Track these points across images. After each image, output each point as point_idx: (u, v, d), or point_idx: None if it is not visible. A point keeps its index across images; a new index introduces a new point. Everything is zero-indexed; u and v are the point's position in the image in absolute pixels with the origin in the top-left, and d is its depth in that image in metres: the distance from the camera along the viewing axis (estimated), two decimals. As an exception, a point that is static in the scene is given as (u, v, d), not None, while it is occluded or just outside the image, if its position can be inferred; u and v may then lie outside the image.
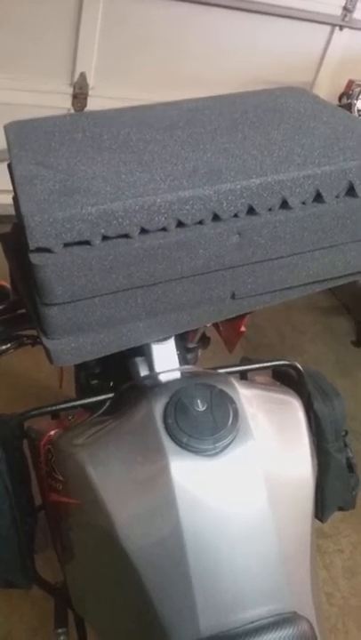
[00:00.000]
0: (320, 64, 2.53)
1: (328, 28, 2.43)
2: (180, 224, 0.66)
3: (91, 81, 2.29)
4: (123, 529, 0.66)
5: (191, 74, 2.32)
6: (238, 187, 0.66)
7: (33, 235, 0.61)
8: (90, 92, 2.30)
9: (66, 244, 0.63)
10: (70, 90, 2.29)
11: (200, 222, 0.67)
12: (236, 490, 0.68)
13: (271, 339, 2.36)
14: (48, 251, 0.62)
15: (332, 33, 2.45)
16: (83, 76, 2.27)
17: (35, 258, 0.62)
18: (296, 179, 0.68)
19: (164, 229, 0.66)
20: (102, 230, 0.63)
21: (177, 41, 2.28)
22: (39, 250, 0.62)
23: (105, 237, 0.64)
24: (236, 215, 0.68)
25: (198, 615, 0.64)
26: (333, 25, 2.42)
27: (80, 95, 2.29)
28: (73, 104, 2.31)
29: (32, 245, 0.61)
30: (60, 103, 2.28)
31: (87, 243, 0.63)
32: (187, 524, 0.65)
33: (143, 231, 0.65)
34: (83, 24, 2.14)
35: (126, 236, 0.64)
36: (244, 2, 2.23)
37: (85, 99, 2.31)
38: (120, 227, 0.63)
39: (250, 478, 0.69)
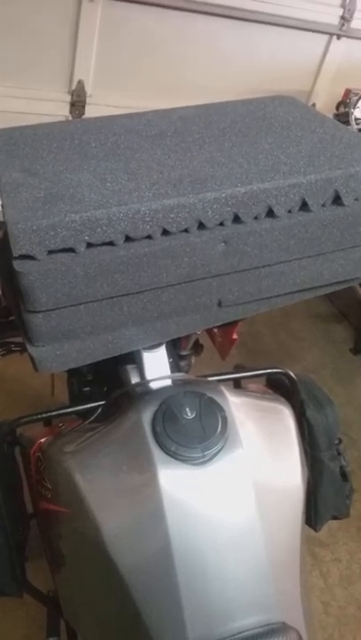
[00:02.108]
0: (318, 73, 2.53)
1: (326, 37, 2.43)
2: (165, 232, 0.66)
3: (89, 89, 2.29)
4: (110, 537, 0.66)
5: (190, 82, 2.33)
6: (224, 195, 0.66)
7: (16, 242, 0.61)
8: (88, 100, 2.30)
9: (50, 252, 0.63)
10: (68, 98, 2.29)
11: (185, 230, 0.67)
12: (225, 499, 0.68)
13: (269, 346, 2.35)
14: (32, 258, 0.62)
15: (329, 42, 2.45)
16: (81, 83, 2.27)
17: (18, 265, 0.62)
18: (282, 187, 0.68)
19: (149, 237, 0.66)
20: (86, 238, 0.63)
21: (175, 49, 2.28)
22: (23, 257, 0.62)
23: (89, 245, 0.64)
24: (221, 224, 0.68)
25: (186, 625, 0.64)
26: (331, 34, 2.42)
27: (78, 103, 2.30)
28: (71, 112, 2.31)
29: (15, 252, 0.62)
30: (58, 111, 2.28)
31: (71, 250, 0.63)
32: (175, 533, 0.65)
33: (128, 239, 0.65)
34: (81, 31, 2.14)
35: (111, 243, 0.64)
36: (243, 11, 2.23)
37: (83, 107, 2.31)
38: (104, 234, 0.63)
39: (238, 487, 0.69)
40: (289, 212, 0.70)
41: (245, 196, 0.67)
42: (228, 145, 0.76)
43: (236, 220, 0.69)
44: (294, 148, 0.75)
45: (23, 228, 0.60)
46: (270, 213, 0.70)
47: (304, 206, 0.71)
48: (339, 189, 0.71)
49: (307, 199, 0.70)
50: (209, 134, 0.79)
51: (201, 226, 0.67)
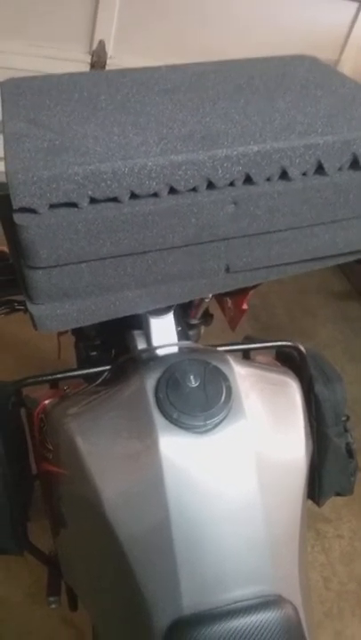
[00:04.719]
0: (345, 42, 2.46)
1: (355, 4, 2.36)
2: (172, 190, 0.63)
3: (109, 49, 2.25)
4: (108, 502, 0.66)
5: (212, 47, 2.27)
6: (235, 153, 0.63)
7: (17, 193, 0.59)
8: (108, 61, 2.26)
9: (51, 206, 0.60)
10: (88, 58, 2.26)
11: (194, 189, 0.64)
12: (226, 469, 0.67)
13: (282, 320, 2.33)
14: (32, 211, 0.60)
15: (359, 10, 2.37)
16: (101, 44, 2.23)
17: (18, 218, 0.60)
18: (297, 147, 0.65)
19: (155, 195, 0.63)
20: (90, 192, 0.60)
21: (198, 12, 2.23)
22: (23, 210, 0.60)
23: (93, 200, 0.61)
24: (232, 184, 0.65)
25: (181, 592, 0.64)
26: (361, 1, 2.35)
27: (98, 64, 2.26)
28: (90, 73, 2.28)
29: (16, 205, 0.59)
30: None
31: (74, 205, 0.61)
32: (173, 501, 0.64)
33: (133, 196, 0.62)
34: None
35: (115, 199, 0.62)
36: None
37: (104, 67, 2.27)
38: (108, 189, 0.61)
39: (240, 458, 0.68)
40: (304, 174, 0.67)
41: (258, 155, 0.64)
42: (244, 102, 0.73)
43: (248, 180, 0.66)
44: (313, 108, 0.71)
45: (24, 179, 0.58)
46: (284, 175, 0.67)
47: (320, 169, 0.68)
48: (357, 153, 0.67)
49: (323, 161, 0.67)
50: (224, 90, 0.75)
51: (210, 185, 0.65)
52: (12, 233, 0.65)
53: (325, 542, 1.67)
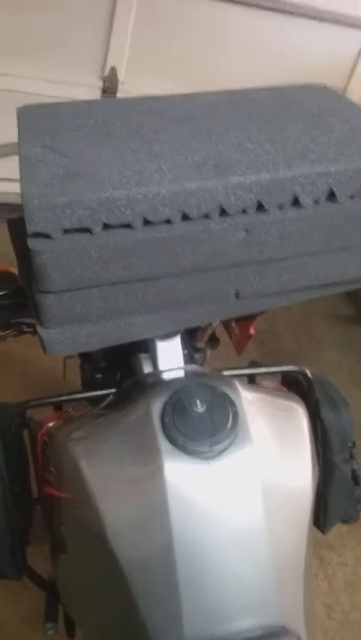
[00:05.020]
0: (353, 70, 2.48)
1: (363, 32, 2.39)
2: (185, 217, 0.64)
3: (121, 76, 2.28)
4: (111, 528, 0.65)
5: (222, 74, 2.29)
6: (248, 181, 0.64)
7: (31, 218, 0.59)
8: (119, 88, 2.29)
9: (65, 231, 0.61)
10: (100, 84, 2.28)
11: (206, 216, 0.65)
12: (231, 496, 0.66)
13: (288, 345, 2.32)
14: (47, 236, 0.61)
15: (366, 38, 2.40)
16: (113, 70, 2.26)
17: (32, 243, 0.60)
18: (308, 175, 0.66)
19: (168, 222, 0.64)
20: (103, 218, 0.61)
21: (208, 41, 2.26)
22: (37, 235, 0.61)
23: (106, 226, 0.62)
24: (244, 211, 0.66)
25: (184, 623, 0.62)
26: (368, 29, 2.38)
27: (109, 90, 2.28)
28: (102, 98, 2.30)
29: (30, 230, 0.60)
30: (89, 97, 2.26)
31: (88, 231, 0.61)
32: (177, 528, 0.63)
33: (147, 222, 0.63)
34: (117, 18, 2.13)
35: (129, 226, 0.63)
36: (279, 2, 2.20)
37: (115, 94, 2.30)
38: (122, 216, 0.61)
39: (246, 484, 0.67)
40: (315, 202, 0.68)
41: (271, 183, 0.64)
42: (256, 130, 0.73)
43: (260, 208, 0.66)
44: (325, 136, 0.72)
45: (39, 204, 0.59)
46: (296, 202, 0.67)
47: (331, 197, 0.68)
48: None
49: (335, 189, 0.67)
50: (236, 119, 0.76)
51: (223, 212, 0.65)
52: (25, 257, 0.65)
53: (329, 570, 1.64)
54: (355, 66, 2.47)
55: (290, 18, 2.25)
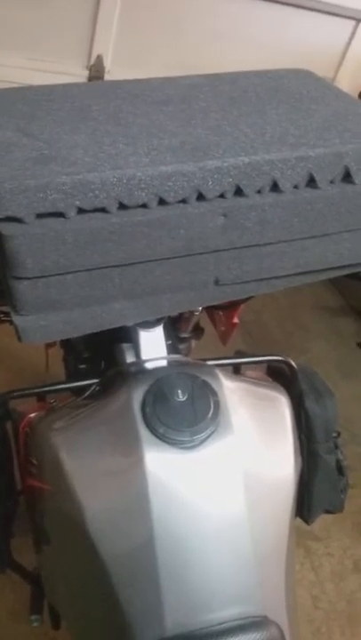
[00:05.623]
0: (342, 59, 2.47)
1: (352, 22, 2.38)
2: (161, 201, 0.63)
3: (107, 64, 2.26)
4: (91, 518, 0.65)
5: (210, 62, 2.26)
6: (226, 164, 0.63)
7: (3, 202, 0.58)
8: (106, 76, 2.27)
9: (39, 215, 0.59)
10: (86, 73, 2.26)
11: (183, 201, 0.64)
12: (212, 485, 0.66)
13: (275, 335, 2.32)
14: (19, 221, 0.59)
15: (356, 28, 2.39)
16: (100, 58, 2.23)
17: (4, 227, 0.59)
18: (288, 160, 0.65)
19: (144, 206, 0.62)
20: (77, 202, 0.60)
21: (195, 28, 2.24)
22: (9, 219, 0.59)
23: (80, 210, 0.60)
24: (222, 195, 0.65)
25: (165, 613, 0.63)
26: (358, 20, 2.36)
27: (95, 78, 2.26)
28: (87, 87, 2.28)
29: (1, 214, 0.58)
30: (74, 84, 2.25)
31: (61, 215, 0.60)
32: (158, 518, 0.63)
33: (122, 206, 0.62)
34: (102, 5, 2.10)
35: (103, 210, 0.61)
36: (267, -9, 2.19)
37: (101, 81, 2.28)
38: (97, 199, 0.60)
39: (227, 474, 0.67)
40: (295, 187, 0.67)
41: (249, 166, 0.63)
42: (236, 114, 0.72)
43: (238, 192, 0.65)
44: (306, 121, 0.71)
45: (10, 187, 0.57)
46: (275, 187, 0.66)
47: (311, 182, 0.67)
48: (349, 165, 0.67)
49: (314, 174, 0.66)
50: (217, 102, 0.75)
51: (200, 197, 0.64)
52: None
53: (315, 560, 1.65)
54: (344, 54, 2.46)
55: (279, 7, 2.24)
